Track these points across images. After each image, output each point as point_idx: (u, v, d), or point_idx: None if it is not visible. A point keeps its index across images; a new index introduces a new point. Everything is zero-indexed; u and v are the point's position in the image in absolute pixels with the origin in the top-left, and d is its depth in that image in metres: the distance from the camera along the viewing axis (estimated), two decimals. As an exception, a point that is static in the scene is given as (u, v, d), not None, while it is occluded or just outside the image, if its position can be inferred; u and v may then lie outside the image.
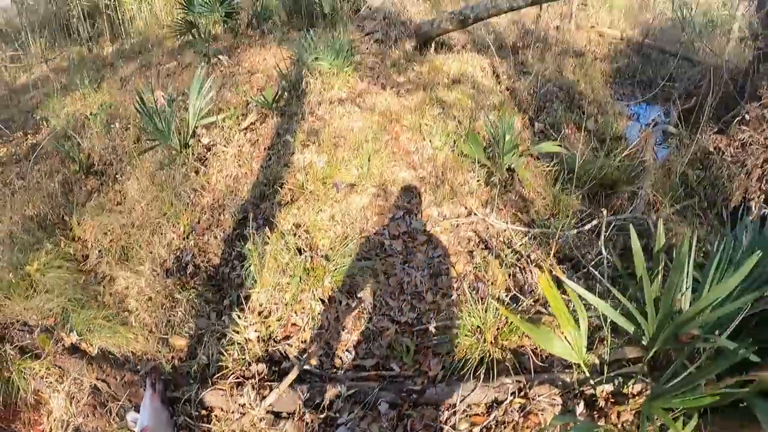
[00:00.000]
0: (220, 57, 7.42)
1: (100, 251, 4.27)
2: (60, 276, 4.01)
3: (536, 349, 3.04)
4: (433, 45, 8.04)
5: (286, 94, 6.13)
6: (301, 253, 3.67)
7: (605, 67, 9.09)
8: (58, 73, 8.53)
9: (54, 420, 3.05)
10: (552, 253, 3.68)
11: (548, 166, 5.00)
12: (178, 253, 3.95)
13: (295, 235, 3.86)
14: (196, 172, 4.73)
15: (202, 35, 8.67)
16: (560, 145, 5.04)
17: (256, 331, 3.30)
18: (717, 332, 2.35)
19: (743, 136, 4.70)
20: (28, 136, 6.42)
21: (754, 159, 4.50)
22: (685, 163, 4.93)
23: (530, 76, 7.45)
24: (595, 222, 4.01)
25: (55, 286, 3.89)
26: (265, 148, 5.07)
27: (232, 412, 2.89)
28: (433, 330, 3.35)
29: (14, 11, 10.98)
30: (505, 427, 2.64)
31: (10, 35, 10.45)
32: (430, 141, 5.33)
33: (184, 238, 4.09)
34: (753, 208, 4.23)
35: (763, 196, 4.30)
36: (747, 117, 4.83)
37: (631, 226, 2.81)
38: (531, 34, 9.47)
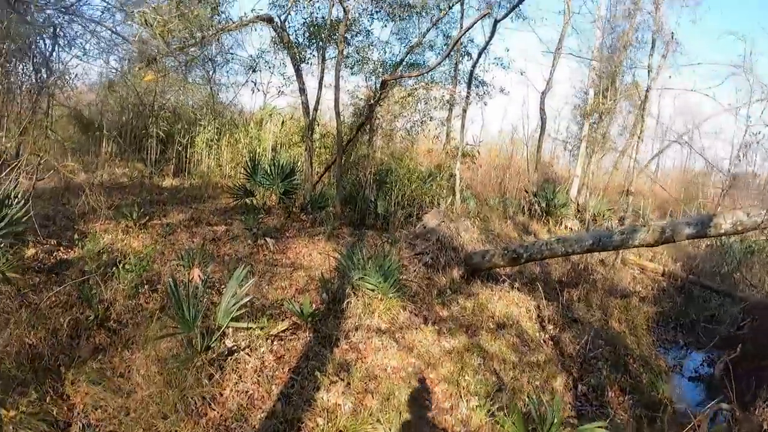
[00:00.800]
0: (267, 240, 7.48)
1: (84, 426, 3.84)
2: (34, 439, 3.56)
3: None
4: (480, 274, 8.13)
5: (324, 307, 6.03)
6: None
7: (649, 310, 9.10)
8: (114, 191, 8.66)
9: None
10: None
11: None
12: (166, 476, 3.50)
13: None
14: (210, 378, 4.40)
15: (257, 206, 8.91)
16: (606, 428, 4.61)
17: None
18: None
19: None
20: (61, 249, 6.24)
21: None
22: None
23: (575, 323, 7.48)
24: None
25: (25, 449, 3.44)
26: (289, 369, 4.79)
27: None
28: None
29: (98, 110, 11.53)
30: None
31: (86, 130, 10.92)
32: (467, 400, 5.06)
33: (178, 457, 3.66)
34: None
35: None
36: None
37: None
38: (577, 270, 9.77)
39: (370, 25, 12.09)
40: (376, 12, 11.50)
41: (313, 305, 5.72)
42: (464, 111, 12.75)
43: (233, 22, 9.58)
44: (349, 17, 10.38)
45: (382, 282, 6.33)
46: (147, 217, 7.53)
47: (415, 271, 7.76)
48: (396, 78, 11.18)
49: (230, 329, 4.97)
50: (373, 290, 6.34)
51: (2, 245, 5.25)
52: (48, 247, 6.15)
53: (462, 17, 12.65)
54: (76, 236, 6.36)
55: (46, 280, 5.46)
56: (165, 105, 11.78)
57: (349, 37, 11.32)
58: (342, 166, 10.87)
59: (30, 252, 5.90)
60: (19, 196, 5.78)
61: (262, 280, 6.34)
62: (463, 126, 12.66)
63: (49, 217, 6.84)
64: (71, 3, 6.03)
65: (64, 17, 5.94)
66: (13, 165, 6.03)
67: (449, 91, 12.67)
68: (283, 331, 5.31)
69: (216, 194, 10.12)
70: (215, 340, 4.69)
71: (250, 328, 5.02)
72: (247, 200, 9.25)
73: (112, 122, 11.55)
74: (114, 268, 5.58)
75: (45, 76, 6.17)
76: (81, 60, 6.48)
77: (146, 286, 5.59)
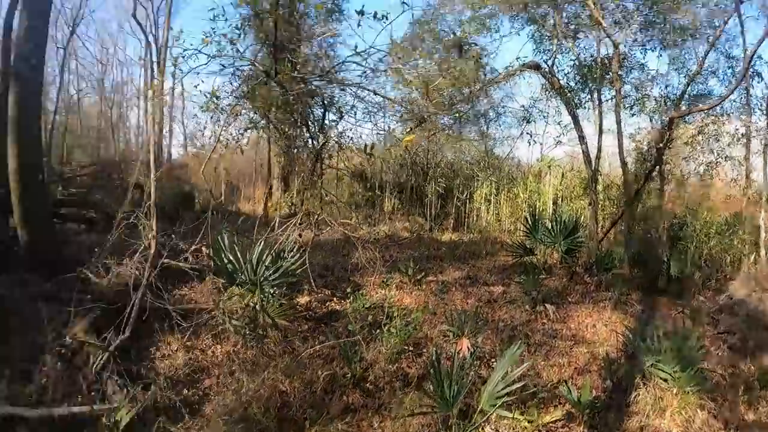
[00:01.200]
0: (547, 306, 6.60)
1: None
2: None
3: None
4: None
5: (605, 395, 4.91)
6: None
7: None
8: (392, 245, 8.80)
9: None
10: None
11: None
12: None
13: None
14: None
15: (536, 266, 8.11)
16: None
17: None
18: None
19: None
20: (333, 299, 6.38)
21: None
22: None
23: None
24: None
25: None
26: (554, 474, 3.80)
27: None
28: None
29: (377, 168, 12.17)
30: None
31: (368, 187, 11.66)
32: None
33: None
34: None
35: None
36: None
37: None
38: None
39: (643, 58, 10.54)
40: (647, 41, 10.10)
41: (593, 392, 4.68)
42: (766, 146, 9.97)
43: (500, 74, 9.22)
44: (619, 51, 9.22)
45: (678, 371, 4.91)
46: (422, 273, 7.36)
47: (717, 355, 6.05)
48: (684, 114, 9.57)
49: (494, 415, 4.19)
50: (666, 381, 4.96)
51: (276, 293, 5.46)
52: (322, 297, 6.35)
53: (742, 31, 9.90)
54: (349, 289, 6.43)
55: (314, 328, 5.55)
56: (441, 162, 11.94)
57: (623, 74, 10.03)
58: (630, 220, 9.37)
59: (303, 300, 6.14)
60: (294, 249, 6.05)
61: (537, 354, 5.54)
62: (765, 164, 9.89)
63: (328, 268, 7.12)
64: (327, 71, 6.29)
65: (329, 86, 6.22)
66: (287, 223, 6.41)
67: (744, 122, 10.11)
68: (554, 422, 4.37)
69: (494, 250, 9.66)
70: (474, 427, 3.96)
71: (517, 419, 4.19)
72: (526, 259, 8.55)
73: (393, 180, 12.15)
74: (378, 330, 5.37)
75: (319, 141, 6.54)
76: (350, 123, 6.77)
77: (411, 350, 5.27)
